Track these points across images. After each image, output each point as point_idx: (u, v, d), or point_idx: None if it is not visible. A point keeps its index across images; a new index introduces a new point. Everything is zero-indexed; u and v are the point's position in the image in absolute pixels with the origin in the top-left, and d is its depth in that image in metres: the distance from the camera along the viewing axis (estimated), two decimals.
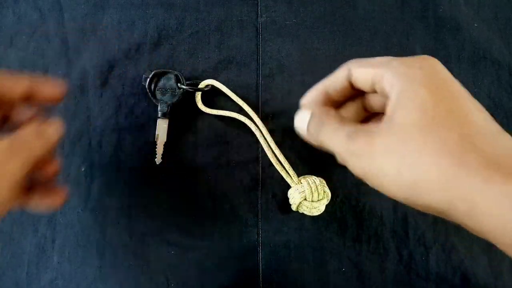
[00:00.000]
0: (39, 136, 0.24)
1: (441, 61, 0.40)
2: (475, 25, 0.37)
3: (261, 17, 0.37)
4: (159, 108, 0.34)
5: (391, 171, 0.20)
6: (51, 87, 0.27)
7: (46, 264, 0.34)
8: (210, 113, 0.35)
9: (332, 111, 0.25)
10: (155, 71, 0.34)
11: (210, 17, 0.37)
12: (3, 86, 0.25)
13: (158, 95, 0.34)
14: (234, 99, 0.34)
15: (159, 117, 0.34)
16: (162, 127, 0.34)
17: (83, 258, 0.34)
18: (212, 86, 0.35)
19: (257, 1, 0.37)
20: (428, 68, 0.21)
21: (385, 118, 0.21)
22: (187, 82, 0.34)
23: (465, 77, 0.37)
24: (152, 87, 0.34)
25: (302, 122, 0.25)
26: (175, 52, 0.36)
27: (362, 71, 0.23)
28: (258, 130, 0.34)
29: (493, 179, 0.18)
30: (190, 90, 0.34)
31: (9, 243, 0.34)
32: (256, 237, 0.35)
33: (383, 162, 0.20)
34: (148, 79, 0.34)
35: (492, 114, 0.36)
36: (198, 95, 0.35)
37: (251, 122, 0.34)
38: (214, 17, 0.37)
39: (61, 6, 0.37)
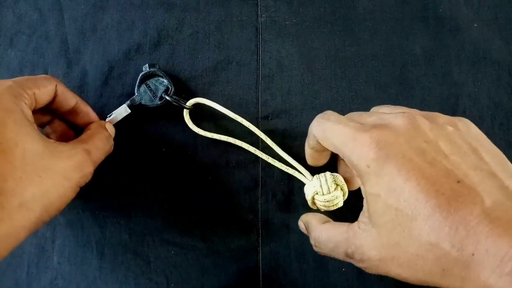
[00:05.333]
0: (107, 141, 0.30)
1: (441, 61, 0.40)
2: (475, 25, 0.37)
3: (261, 17, 0.37)
4: (133, 97, 0.33)
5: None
6: (89, 110, 0.32)
7: (46, 264, 0.34)
8: (203, 135, 0.34)
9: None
10: (157, 70, 0.34)
11: (210, 17, 0.37)
12: (64, 97, 0.29)
13: (142, 89, 0.33)
14: (231, 116, 0.33)
15: (127, 104, 0.33)
16: (120, 113, 0.33)
17: (83, 258, 0.34)
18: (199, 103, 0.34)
19: (257, 1, 0.37)
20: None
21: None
22: (174, 97, 0.33)
23: (465, 77, 0.37)
24: (143, 79, 0.33)
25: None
26: (175, 52, 0.36)
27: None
28: (257, 150, 0.34)
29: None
30: (174, 104, 0.33)
31: None
32: (256, 237, 0.35)
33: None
34: (147, 72, 0.33)
35: (492, 114, 0.36)
36: (187, 114, 0.34)
37: (249, 145, 0.34)
38: (214, 17, 0.37)
39: (61, 6, 0.37)
